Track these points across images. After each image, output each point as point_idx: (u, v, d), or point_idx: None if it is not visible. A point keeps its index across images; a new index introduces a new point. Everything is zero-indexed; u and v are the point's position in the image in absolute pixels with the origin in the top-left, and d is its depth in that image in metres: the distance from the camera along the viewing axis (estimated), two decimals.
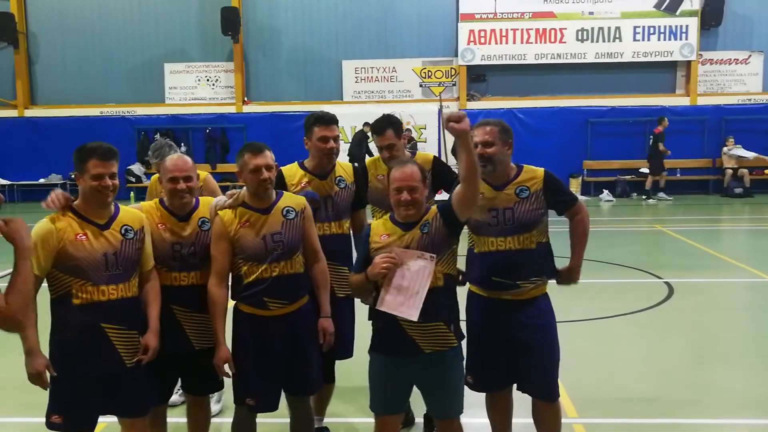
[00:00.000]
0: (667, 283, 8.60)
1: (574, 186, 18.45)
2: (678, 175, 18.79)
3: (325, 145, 4.06)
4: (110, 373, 3.34)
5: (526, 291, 3.70)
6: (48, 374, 3.22)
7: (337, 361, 4.36)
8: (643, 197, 17.69)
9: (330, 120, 4.10)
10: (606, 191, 18.19)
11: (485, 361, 3.80)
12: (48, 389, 3.30)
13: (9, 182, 19.67)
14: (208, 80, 20.02)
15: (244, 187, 3.72)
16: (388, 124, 4.31)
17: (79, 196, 3.34)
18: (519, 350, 3.72)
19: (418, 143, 18.72)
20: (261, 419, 3.88)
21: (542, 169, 3.83)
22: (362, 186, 4.37)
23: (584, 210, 3.88)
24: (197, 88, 20.06)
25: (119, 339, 3.33)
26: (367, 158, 5.76)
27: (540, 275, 3.75)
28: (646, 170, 18.61)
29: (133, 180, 19.35)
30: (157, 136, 19.39)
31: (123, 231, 3.36)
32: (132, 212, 3.46)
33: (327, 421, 4.52)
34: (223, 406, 4.93)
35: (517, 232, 3.68)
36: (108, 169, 3.25)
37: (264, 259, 3.60)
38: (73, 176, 3.42)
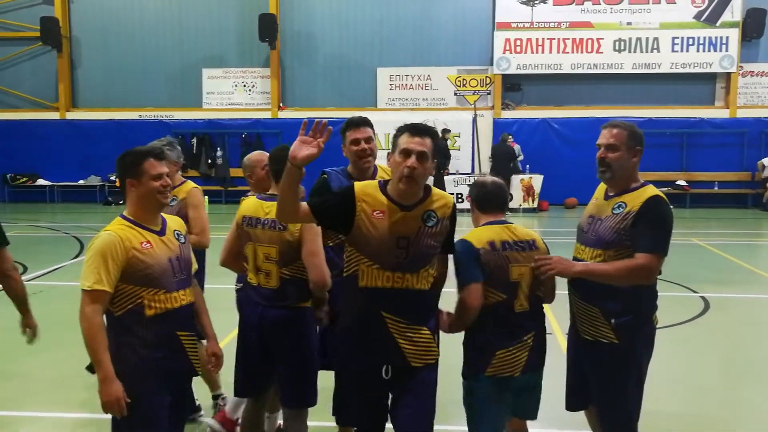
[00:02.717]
0: (702, 297, 8.47)
1: None
2: (715, 188, 18.50)
3: (357, 147, 3.94)
4: (185, 384, 3.25)
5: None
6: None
7: None
8: None
9: (359, 122, 3.98)
10: None
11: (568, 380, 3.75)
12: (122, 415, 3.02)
13: (49, 183, 20.12)
14: (244, 86, 20.26)
15: None
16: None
17: (130, 205, 3.20)
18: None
19: (452, 151, 18.70)
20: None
21: (654, 192, 3.39)
22: None
23: (650, 264, 3.30)
24: (234, 93, 20.30)
25: (191, 347, 3.25)
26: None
27: (617, 309, 3.36)
28: (683, 182, 18.35)
29: None
30: (194, 140, 19.78)
31: (176, 235, 3.29)
32: (173, 217, 3.45)
33: None
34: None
35: (593, 245, 3.44)
36: (164, 168, 3.21)
37: None
38: (116, 184, 3.36)
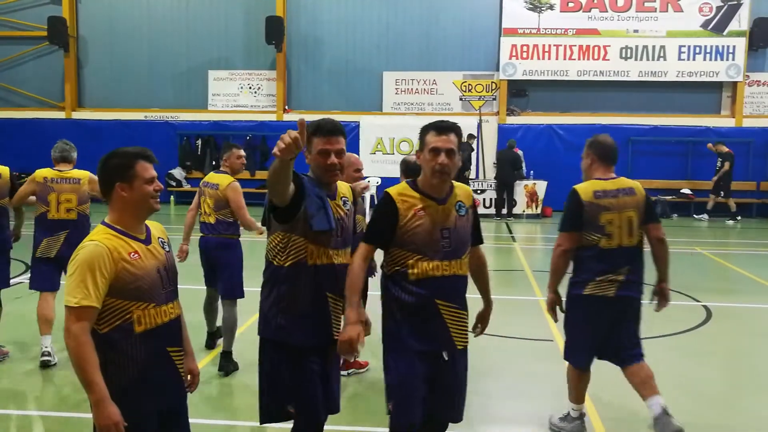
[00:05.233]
0: (705, 306, 8.45)
1: None
2: (720, 197, 18.44)
3: (326, 160, 3.40)
4: (177, 404, 3.06)
5: None
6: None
7: None
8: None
9: (332, 130, 3.41)
10: None
11: None
12: None
13: None
14: (250, 88, 20.29)
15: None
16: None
17: (115, 211, 2.94)
18: None
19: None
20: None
21: None
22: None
23: (557, 240, 4.62)
24: (239, 95, 20.33)
25: (180, 363, 3.06)
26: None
27: None
28: (687, 191, 18.32)
29: (174, 184, 19.67)
30: (199, 142, 19.82)
31: (161, 243, 3.04)
32: (155, 223, 3.13)
33: None
34: None
35: None
36: (154, 171, 2.98)
37: None
38: (103, 191, 3.14)
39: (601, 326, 4.45)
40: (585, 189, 4.46)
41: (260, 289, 3.50)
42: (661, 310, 4.69)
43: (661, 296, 4.68)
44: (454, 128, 3.44)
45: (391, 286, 3.45)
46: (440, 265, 3.38)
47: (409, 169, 5.93)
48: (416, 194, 3.43)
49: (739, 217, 17.56)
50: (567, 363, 4.70)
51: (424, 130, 3.47)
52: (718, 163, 17.50)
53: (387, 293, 3.47)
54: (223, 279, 6.11)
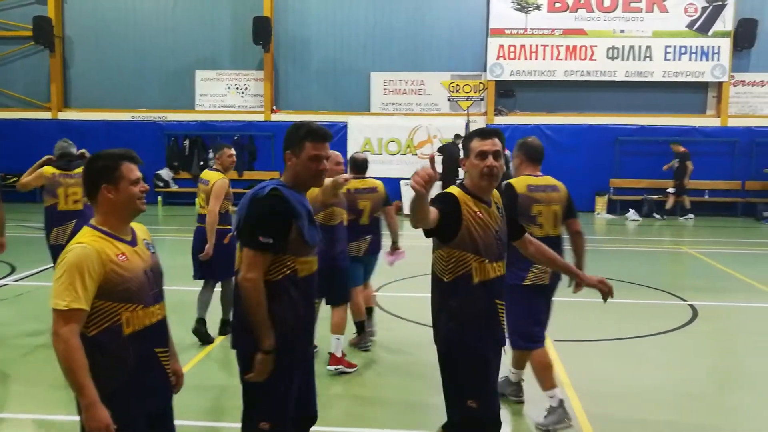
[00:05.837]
0: (691, 305, 8.50)
1: (600, 204, 18.31)
2: (706, 196, 18.59)
3: (317, 165, 3.39)
4: (164, 405, 3.09)
5: None
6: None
7: None
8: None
9: (325, 136, 3.42)
10: (632, 210, 18.03)
11: None
12: None
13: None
14: (237, 88, 20.24)
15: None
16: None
17: (102, 213, 2.95)
18: None
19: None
20: None
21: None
22: None
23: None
24: (227, 95, 20.28)
25: (168, 364, 3.06)
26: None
27: None
28: (672, 190, 18.45)
29: (161, 185, 19.59)
30: (187, 142, 19.75)
31: (146, 245, 3.05)
32: (138, 225, 3.11)
33: None
34: None
35: None
36: (139, 172, 2.97)
37: None
38: (89, 194, 3.14)
39: (542, 308, 4.91)
40: (519, 183, 5.02)
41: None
42: (577, 291, 4.79)
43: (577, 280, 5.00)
44: (497, 133, 3.60)
45: (454, 292, 3.44)
46: (496, 267, 3.48)
47: (356, 165, 6.47)
48: (471, 198, 3.46)
49: (665, 217, 17.81)
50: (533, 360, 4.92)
51: (468, 139, 3.57)
52: (675, 163, 17.71)
53: (449, 300, 3.46)
54: (220, 263, 6.47)
